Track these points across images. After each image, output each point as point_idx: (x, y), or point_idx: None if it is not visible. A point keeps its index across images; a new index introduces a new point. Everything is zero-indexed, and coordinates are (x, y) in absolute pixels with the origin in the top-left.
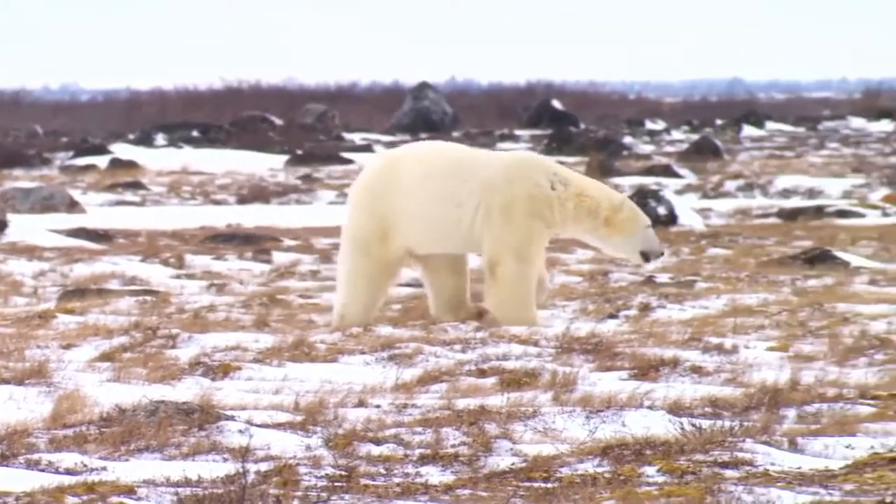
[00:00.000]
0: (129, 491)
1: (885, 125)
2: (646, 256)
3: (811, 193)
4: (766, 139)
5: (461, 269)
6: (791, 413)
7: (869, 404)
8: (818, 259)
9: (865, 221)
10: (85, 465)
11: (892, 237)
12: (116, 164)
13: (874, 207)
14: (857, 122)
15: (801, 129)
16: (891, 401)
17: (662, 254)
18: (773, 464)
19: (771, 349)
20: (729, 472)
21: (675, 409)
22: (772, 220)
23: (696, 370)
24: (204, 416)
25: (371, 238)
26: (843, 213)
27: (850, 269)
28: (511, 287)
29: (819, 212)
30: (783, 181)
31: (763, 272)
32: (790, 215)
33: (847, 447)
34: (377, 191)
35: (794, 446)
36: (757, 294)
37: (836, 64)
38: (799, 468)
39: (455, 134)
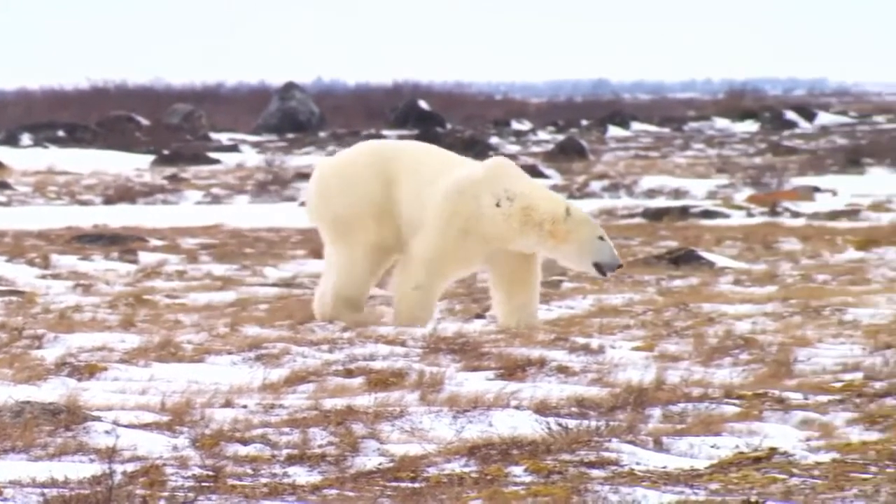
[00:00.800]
0: None
1: (749, 126)
2: (599, 268)
3: (676, 194)
4: (631, 140)
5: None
6: (656, 413)
7: (734, 404)
8: (683, 259)
9: (730, 222)
10: None
11: (756, 237)
12: None
13: (738, 208)
14: (721, 123)
15: (665, 130)
16: (755, 400)
17: (620, 265)
18: (638, 463)
19: (636, 349)
20: (595, 472)
21: (542, 408)
22: (637, 220)
23: (563, 370)
24: (70, 416)
25: (363, 221)
26: (707, 214)
27: (715, 269)
28: (413, 290)
29: (684, 212)
30: (648, 181)
31: (628, 272)
32: (655, 215)
33: (712, 447)
34: (369, 178)
35: (659, 446)
36: (622, 294)
37: (700, 65)
38: (664, 467)
39: (322, 134)
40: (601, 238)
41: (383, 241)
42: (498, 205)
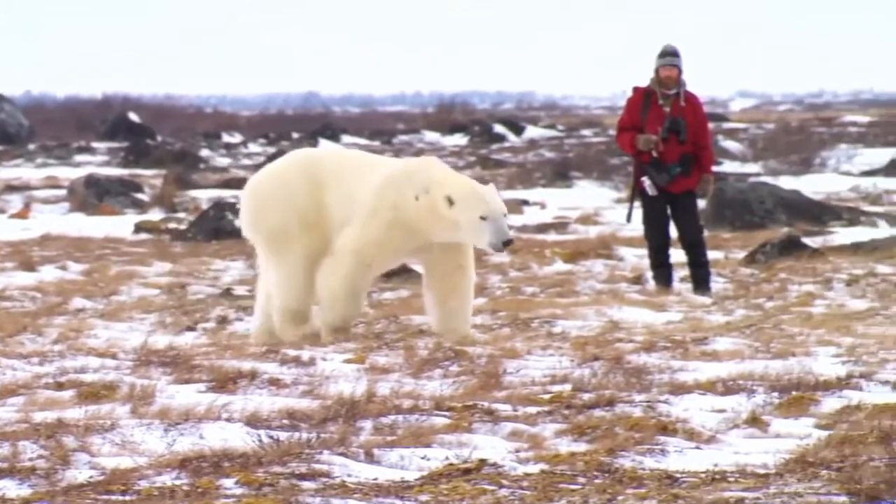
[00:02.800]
0: None
1: (458, 139)
2: (495, 246)
3: None
4: None
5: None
6: (368, 425)
7: (444, 415)
8: (395, 272)
9: None
10: None
11: None
12: None
13: None
14: (431, 136)
15: (376, 143)
16: (465, 412)
17: (509, 241)
18: (350, 475)
19: (348, 361)
20: (306, 484)
21: (253, 421)
22: None
23: (274, 382)
24: None
25: (293, 231)
26: None
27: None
28: (340, 280)
29: None
30: None
31: None
32: None
33: (422, 458)
34: (297, 186)
35: (370, 458)
36: None
37: (410, 78)
38: (375, 479)
39: (31, 147)
40: (483, 218)
41: (319, 250)
42: (417, 198)
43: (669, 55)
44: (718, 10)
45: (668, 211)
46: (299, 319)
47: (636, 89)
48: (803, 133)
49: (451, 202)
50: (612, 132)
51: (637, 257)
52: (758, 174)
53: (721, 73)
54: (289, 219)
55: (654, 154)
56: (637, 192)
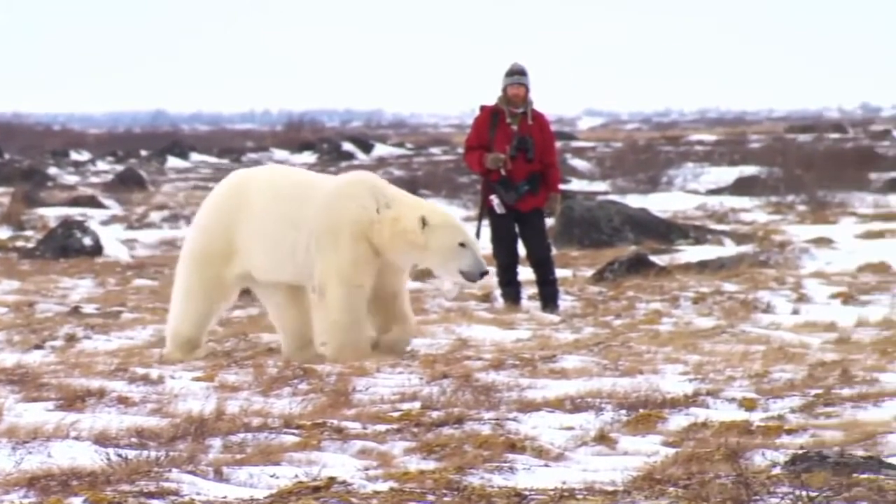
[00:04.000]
0: None
1: (307, 157)
2: (466, 276)
3: None
4: (191, 170)
5: (305, 305)
6: (217, 443)
7: (293, 433)
8: (245, 290)
9: None
10: None
11: None
12: None
13: None
14: (280, 154)
15: (225, 161)
16: (314, 430)
17: (484, 272)
18: (199, 493)
19: (196, 379)
20: (155, 502)
21: (102, 439)
22: None
23: (123, 400)
24: None
25: (214, 256)
26: None
27: None
28: (338, 314)
29: None
30: None
31: None
32: None
33: (272, 476)
34: (225, 209)
35: (219, 475)
36: None
37: (259, 97)
38: (224, 497)
39: None
40: (462, 245)
41: (233, 282)
42: (378, 211)
43: (517, 74)
44: (566, 29)
45: (517, 229)
46: (189, 347)
47: (483, 108)
48: (650, 151)
49: (424, 224)
50: (461, 150)
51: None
52: (605, 192)
53: (569, 91)
54: (214, 241)
55: (503, 172)
56: (485, 210)
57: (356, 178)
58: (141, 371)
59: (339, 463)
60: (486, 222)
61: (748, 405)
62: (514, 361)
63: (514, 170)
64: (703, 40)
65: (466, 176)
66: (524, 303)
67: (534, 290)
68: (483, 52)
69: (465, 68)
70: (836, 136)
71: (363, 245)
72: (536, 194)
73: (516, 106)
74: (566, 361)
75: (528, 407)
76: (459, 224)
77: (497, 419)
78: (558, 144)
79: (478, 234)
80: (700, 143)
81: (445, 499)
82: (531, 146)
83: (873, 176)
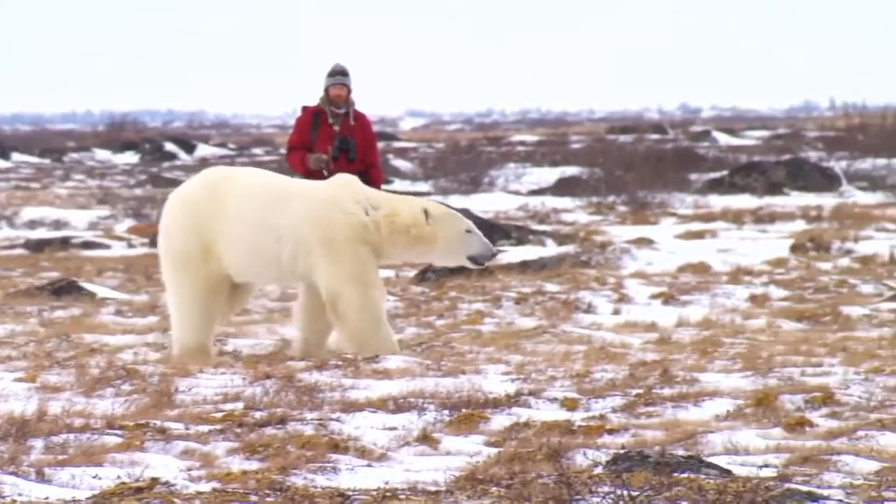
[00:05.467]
0: None
1: (129, 157)
2: (475, 260)
3: (57, 225)
4: (11, 171)
5: (321, 301)
6: (39, 443)
7: (115, 434)
8: (64, 290)
9: (111, 253)
10: None
11: (137, 268)
12: None
13: (120, 239)
14: (102, 154)
15: (46, 161)
16: (137, 431)
17: (494, 254)
18: (21, 494)
19: (18, 380)
20: None
21: None
22: (18, 251)
23: None
24: None
25: (194, 255)
26: (89, 245)
27: (97, 299)
28: (358, 316)
29: (65, 243)
30: (29, 212)
31: (10, 303)
32: (37, 246)
33: (94, 477)
34: (199, 209)
35: (41, 476)
36: (4, 325)
37: (80, 97)
38: (46, 498)
39: None
40: (468, 231)
41: (219, 282)
42: (366, 213)
43: (339, 74)
44: (387, 30)
45: None
46: (199, 355)
47: (306, 108)
48: (472, 152)
49: (428, 215)
50: (283, 151)
51: None
52: (428, 193)
53: (391, 92)
54: (188, 240)
55: (325, 173)
56: None
57: (335, 184)
58: None
59: (161, 464)
60: None
61: (570, 405)
62: (337, 362)
63: (336, 170)
64: (524, 41)
65: (289, 176)
66: None
67: None
68: (304, 54)
69: (287, 70)
70: (656, 136)
71: (362, 248)
72: None
73: (338, 106)
74: (389, 362)
75: (351, 407)
76: (458, 213)
77: (320, 419)
78: (380, 145)
79: None
80: (522, 143)
81: (268, 499)
82: (353, 147)
83: (693, 177)
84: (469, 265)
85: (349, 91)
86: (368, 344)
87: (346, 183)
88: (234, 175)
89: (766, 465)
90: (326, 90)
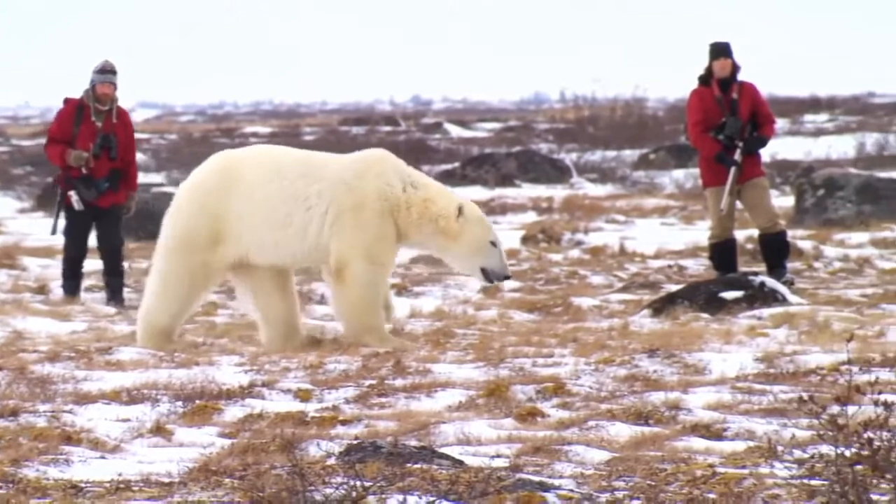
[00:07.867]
0: None
1: None
2: (486, 274)
3: None
4: None
5: (290, 292)
6: None
7: None
8: None
9: None
10: None
11: None
12: None
13: None
14: None
15: None
16: None
17: (507, 276)
18: None
19: None
20: None
21: None
22: None
23: None
24: None
25: (199, 240)
26: None
27: None
28: (360, 290)
29: None
30: None
31: None
32: None
33: None
34: (213, 190)
35: None
36: None
37: None
38: None
39: None
40: (493, 243)
41: (213, 264)
42: (404, 189)
43: (109, 72)
44: (123, 21)
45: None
46: (163, 337)
47: (68, 101)
48: (205, 144)
49: (460, 213)
50: (16, 142)
51: (41, 267)
52: (160, 184)
53: (122, 83)
54: (198, 227)
55: (84, 171)
56: (63, 205)
57: (378, 156)
58: None
59: None
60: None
61: (303, 396)
62: (70, 354)
63: (97, 167)
64: (256, 34)
65: (21, 168)
66: (82, 295)
67: (95, 282)
68: (72, 47)
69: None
70: (388, 128)
71: (388, 222)
72: (117, 191)
73: (103, 103)
74: (122, 353)
75: (84, 399)
76: (490, 222)
77: (53, 411)
78: None
79: (54, 230)
80: (255, 135)
81: (1, 492)
82: (115, 145)
83: (426, 168)
84: (479, 277)
85: (116, 89)
86: (360, 320)
87: (386, 155)
88: (245, 156)
89: (498, 456)
90: (94, 86)
